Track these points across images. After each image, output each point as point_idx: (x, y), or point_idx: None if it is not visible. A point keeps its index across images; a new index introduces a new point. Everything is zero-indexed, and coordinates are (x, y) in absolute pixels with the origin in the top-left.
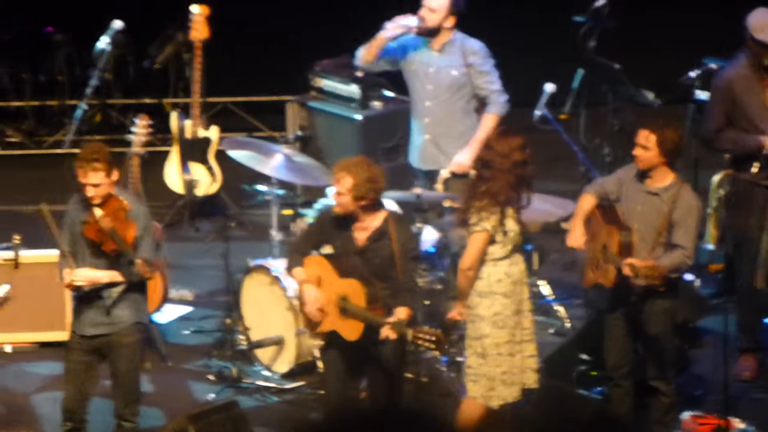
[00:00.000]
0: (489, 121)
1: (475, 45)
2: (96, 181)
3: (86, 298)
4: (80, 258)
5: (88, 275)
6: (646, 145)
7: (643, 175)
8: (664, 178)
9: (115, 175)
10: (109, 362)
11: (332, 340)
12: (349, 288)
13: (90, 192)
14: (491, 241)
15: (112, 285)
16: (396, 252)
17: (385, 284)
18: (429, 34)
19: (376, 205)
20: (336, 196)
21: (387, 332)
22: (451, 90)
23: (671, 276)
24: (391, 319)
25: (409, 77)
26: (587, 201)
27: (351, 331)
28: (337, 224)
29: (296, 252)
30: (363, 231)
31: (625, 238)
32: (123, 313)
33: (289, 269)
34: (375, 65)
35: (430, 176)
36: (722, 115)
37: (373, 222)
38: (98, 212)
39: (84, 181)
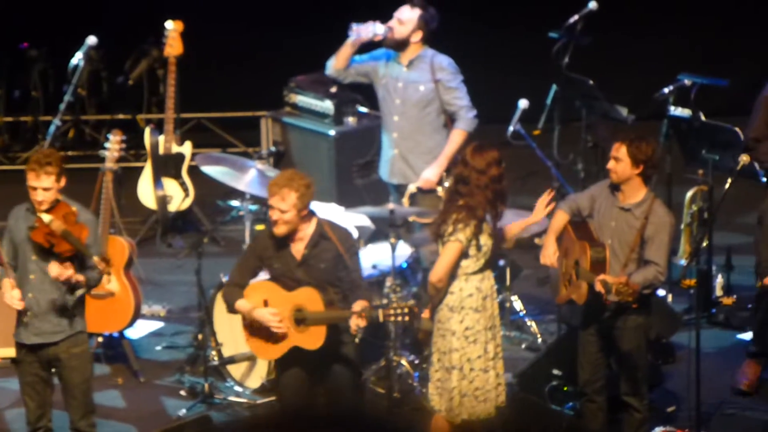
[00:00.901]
0: (457, 137)
1: (443, 61)
2: (47, 184)
3: (28, 304)
4: (24, 267)
5: (58, 270)
6: (619, 156)
7: (615, 190)
8: (637, 194)
9: (63, 182)
10: (59, 374)
11: (286, 356)
12: (302, 298)
13: (39, 196)
14: (464, 255)
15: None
16: (341, 251)
17: (334, 287)
18: (397, 46)
19: (310, 213)
20: (279, 215)
21: (356, 321)
22: (419, 105)
23: (644, 292)
24: (357, 308)
25: (379, 90)
26: (560, 217)
27: (312, 340)
28: (272, 245)
29: (233, 286)
30: (299, 242)
31: (597, 254)
32: (66, 322)
33: (230, 307)
34: (346, 74)
35: (400, 190)
36: (764, 126)
37: (307, 230)
38: (46, 217)
39: (35, 184)
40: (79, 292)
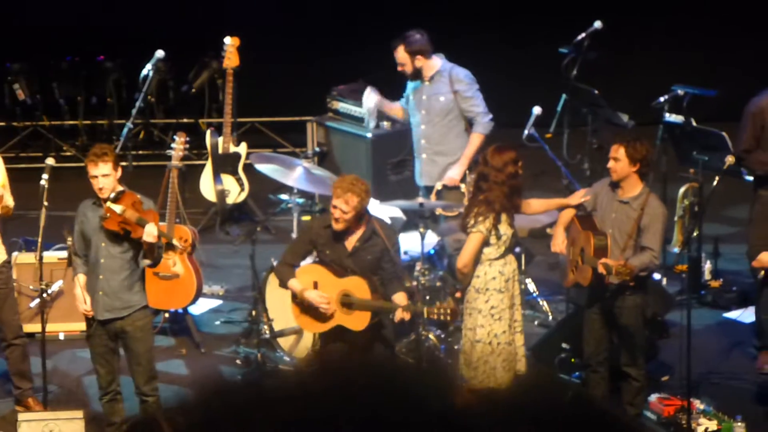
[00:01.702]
0: (475, 140)
1: (460, 73)
2: (106, 171)
3: (100, 285)
4: (96, 253)
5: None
6: (617, 157)
7: (615, 186)
8: (634, 189)
9: (119, 171)
10: (124, 345)
11: (330, 331)
12: (350, 284)
13: (100, 183)
14: (486, 243)
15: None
16: (387, 246)
17: (376, 276)
18: (415, 76)
19: (365, 213)
20: (341, 214)
21: (401, 315)
22: (441, 114)
23: (641, 274)
24: (403, 303)
25: (410, 108)
26: (567, 211)
27: (357, 322)
28: (326, 234)
29: (285, 266)
30: (352, 235)
31: (600, 242)
32: (133, 298)
33: (282, 283)
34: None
35: (429, 190)
36: (752, 139)
37: (360, 225)
38: (118, 207)
39: (95, 173)
40: (146, 262)
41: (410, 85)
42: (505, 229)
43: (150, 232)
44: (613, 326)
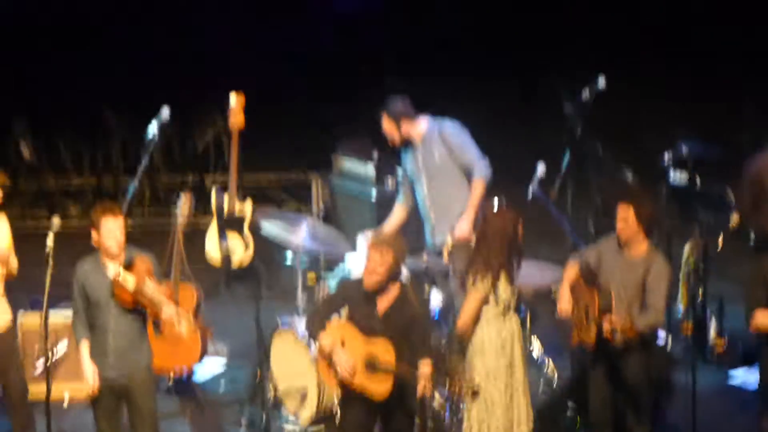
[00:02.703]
0: (477, 186)
1: (447, 128)
2: (121, 224)
3: (109, 346)
4: (105, 314)
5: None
6: (626, 217)
7: (621, 245)
8: (640, 247)
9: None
10: (129, 403)
11: (352, 393)
12: (377, 347)
13: (116, 236)
14: (485, 302)
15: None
16: (419, 315)
17: (406, 343)
18: (404, 143)
19: (398, 275)
20: (374, 266)
21: (424, 386)
22: (439, 170)
23: (645, 333)
24: (427, 372)
25: (410, 176)
26: (572, 270)
27: (380, 387)
28: (359, 294)
29: (317, 318)
30: (384, 299)
31: (604, 300)
32: (141, 356)
33: (313, 335)
34: (411, 193)
35: (440, 250)
36: (751, 198)
37: (393, 290)
38: (129, 279)
39: (111, 226)
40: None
41: (403, 155)
42: (504, 289)
43: (168, 314)
44: (618, 386)
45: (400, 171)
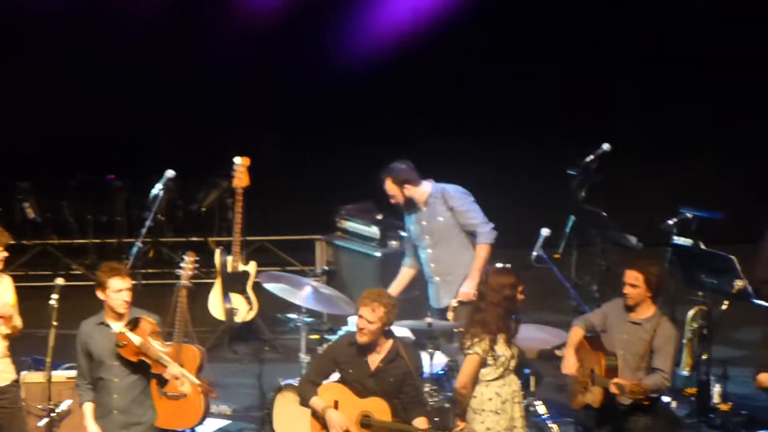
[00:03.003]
0: (481, 251)
1: (450, 190)
2: (125, 287)
3: (115, 404)
4: (108, 373)
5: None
6: (635, 283)
7: (627, 308)
8: (647, 311)
9: None
10: None
11: None
12: (371, 406)
13: (126, 296)
14: (483, 363)
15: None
16: (411, 370)
17: (398, 399)
18: (409, 207)
19: (389, 331)
20: (366, 324)
21: None
22: (443, 233)
23: (651, 396)
24: (426, 427)
25: (414, 239)
26: (576, 332)
27: None
28: (349, 352)
29: (308, 383)
30: (376, 355)
31: (610, 362)
32: (146, 413)
33: (304, 401)
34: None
35: (443, 312)
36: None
37: (385, 346)
38: (135, 338)
39: (121, 286)
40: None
41: (406, 218)
42: (502, 350)
43: (173, 374)
44: None
45: (404, 233)
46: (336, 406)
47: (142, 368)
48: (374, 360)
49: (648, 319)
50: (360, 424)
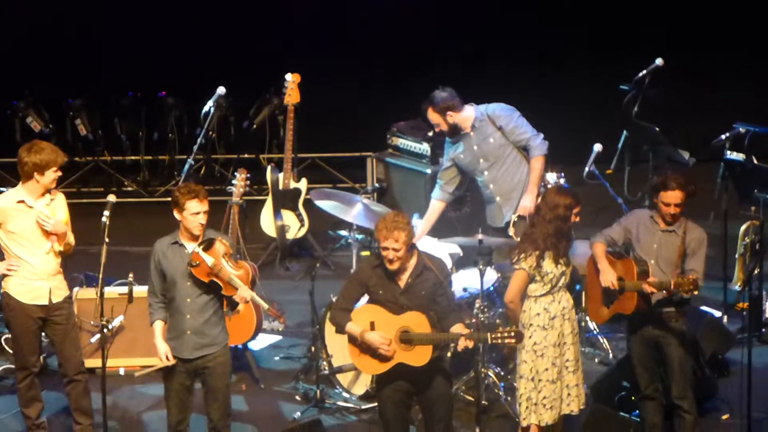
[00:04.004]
0: (537, 164)
1: (496, 109)
2: (202, 210)
3: (188, 325)
4: (181, 293)
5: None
6: (681, 202)
7: (653, 218)
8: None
9: None
10: (204, 380)
11: (385, 374)
12: (408, 320)
13: (202, 219)
14: (531, 279)
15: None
16: (440, 280)
17: (432, 310)
18: (453, 133)
19: (413, 246)
20: (394, 254)
21: (465, 343)
22: (497, 154)
23: (685, 296)
24: (465, 331)
25: (463, 166)
26: (599, 247)
27: (419, 357)
28: (376, 274)
29: (341, 311)
30: (404, 272)
31: (642, 267)
32: (219, 334)
33: (340, 328)
34: (460, 187)
35: (504, 231)
36: None
37: (410, 262)
38: (208, 258)
39: (199, 209)
40: (238, 308)
41: (449, 147)
42: (550, 268)
43: (243, 297)
44: (660, 356)
45: (441, 164)
46: (372, 327)
47: (214, 289)
48: (403, 278)
49: (678, 225)
50: (400, 339)
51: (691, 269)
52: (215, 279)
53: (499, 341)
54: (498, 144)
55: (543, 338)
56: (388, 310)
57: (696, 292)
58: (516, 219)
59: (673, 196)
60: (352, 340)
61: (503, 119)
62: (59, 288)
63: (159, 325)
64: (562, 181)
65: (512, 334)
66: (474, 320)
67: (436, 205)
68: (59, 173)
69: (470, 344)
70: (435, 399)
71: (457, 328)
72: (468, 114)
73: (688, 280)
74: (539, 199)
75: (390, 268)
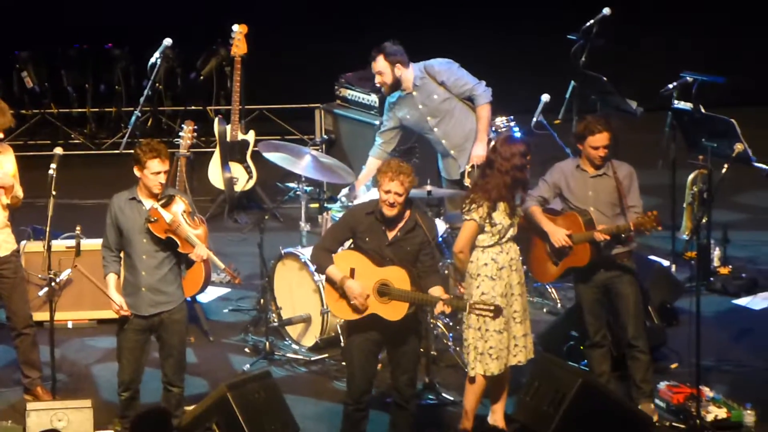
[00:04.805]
0: (483, 111)
1: (434, 65)
2: (163, 169)
3: (143, 281)
4: (137, 249)
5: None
6: (607, 144)
7: (579, 167)
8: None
9: None
10: (159, 336)
11: (357, 322)
12: (389, 274)
13: (162, 179)
14: (480, 230)
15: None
16: (428, 239)
17: (415, 268)
18: (394, 88)
19: (409, 199)
20: (396, 198)
21: (442, 308)
22: (443, 108)
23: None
24: (446, 296)
25: (411, 125)
26: (537, 210)
27: (394, 312)
28: (367, 221)
29: (324, 251)
30: (394, 226)
31: (586, 217)
32: (175, 291)
33: (320, 269)
34: (395, 143)
35: (459, 183)
36: None
37: (403, 215)
38: (167, 214)
39: (160, 168)
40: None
41: (391, 110)
42: (501, 218)
43: (200, 255)
44: (613, 300)
45: (381, 123)
46: (352, 274)
47: (170, 246)
48: (392, 230)
49: (606, 167)
50: (378, 292)
51: (632, 206)
52: (172, 236)
53: (477, 313)
54: (442, 99)
55: (491, 288)
56: (371, 259)
57: (659, 228)
58: (470, 169)
59: (600, 139)
60: (332, 283)
61: (444, 74)
62: (7, 241)
63: (112, 278)
64: (512, 124)
65: (491, 308)
66: (460, 289)
67: (373, 162)
68: (1, 135)
69: (447, 310)
70: (403, 351)
71: (436, 291)
72: (410, 73)
73: (649, 218)
74: (490, 149)
75: (388, 214)
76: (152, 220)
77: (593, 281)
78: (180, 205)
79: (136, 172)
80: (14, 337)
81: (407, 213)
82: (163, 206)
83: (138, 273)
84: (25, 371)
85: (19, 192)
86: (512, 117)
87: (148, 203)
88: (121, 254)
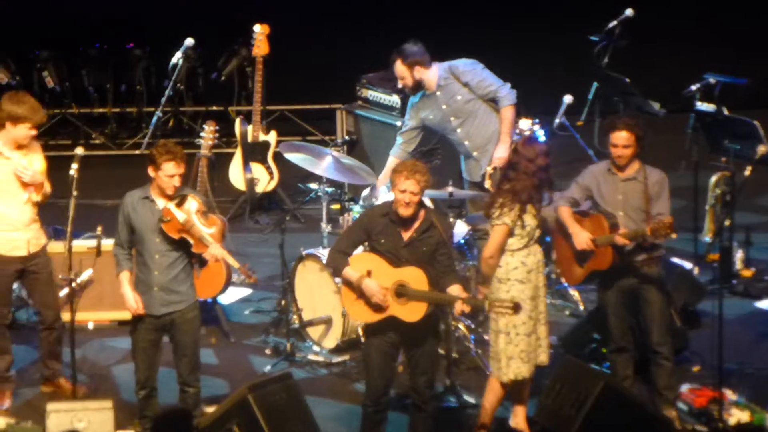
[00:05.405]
0: (507, 113)
1: (459, 66)
2: (178, 172)
3: (156, 281)
4: (149, 248)
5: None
6: (628, 144)
7: (610, 170)
8: (635, 166)
9: None
10: (173, 336)
11: (379, 322)
12: (406, 275)
13: (176, 182)
14: (510, 233)
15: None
16: (444, 239)
17: (433, 268)
18: (416, 89)
19: (423, 203)
20: (412, 197)
21: (462, 307)
22: (467, 109)
23: (657, 241)
24: (465, 295)
25: (433, 126)
26: (565, 211)
27: (412, 313)
28: (382, 223)
29: (339, 253)
30: (409, 226)
31: (612, 220)
32: (188, 290)
33: (337, 272)
34: (417, 142)
35: (480, 185)
36: None
37: (418, 216)
38: (180, 214)
39: (175, 171)
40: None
41: (413, 104)
42: (530, 220)
43: (213, 255)
44: (638, 304)
45: (404, 123)
46: (369, 275)
47: (183, 246)
48: (408, 231)
49: (637, 172)
50: (396, 293)
51: (659, 213)
52: (186, 236)
53: (497, 311)
54: (466, 100)
55: (521, 292)
56: (387, 261)
57: (674, 235)
58: (492, 171)
59: (619, 137)
60: (348, 284)
61: (468, 75)
62: (37, 237)
63: (126, 276)
64: (536, 127)
65: (511, 305)
66: (481, 293)
67: (394, 162)
68: (33, 131)
69: (467, 309)
70: (422, 352)
71: (455, 290)
72: (433, 74)
73: (664, 224)
74: (511, 152)
75: (404, 214)
76: (165, 219)
77: (619, 285)
78: (193, 204)
79: (151, 172)
80: (42, 330)
81: (422, 213)
82: (177, 205)
83: (150, 272)
84: (48, 363)
85: (47, 188)
86: (537, 120)
87: (161, 202)
88: (133, 252)
